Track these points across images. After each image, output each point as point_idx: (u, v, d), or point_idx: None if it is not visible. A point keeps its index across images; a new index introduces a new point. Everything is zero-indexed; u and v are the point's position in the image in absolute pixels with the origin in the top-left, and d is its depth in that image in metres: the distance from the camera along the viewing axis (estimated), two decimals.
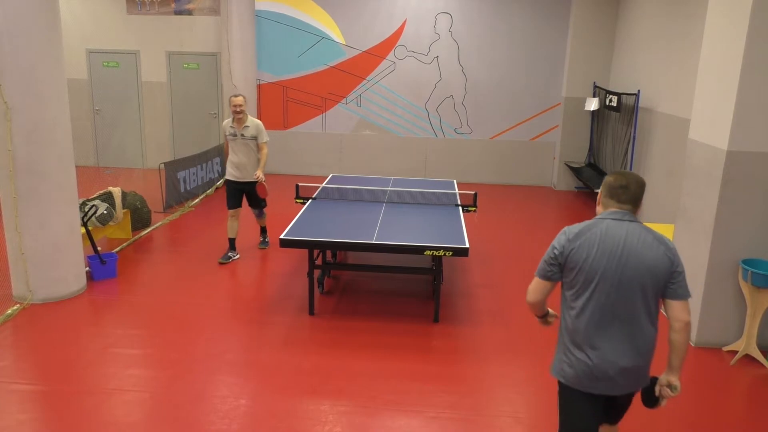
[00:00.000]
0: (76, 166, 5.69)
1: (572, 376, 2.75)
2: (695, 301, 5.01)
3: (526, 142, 10.89)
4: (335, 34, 10.66)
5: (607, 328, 2.67)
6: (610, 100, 9.16)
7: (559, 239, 2.74)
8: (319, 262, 5.72)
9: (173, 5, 10.88)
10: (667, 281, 2.65)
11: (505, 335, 5.12)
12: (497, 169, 11.00)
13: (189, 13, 10.90)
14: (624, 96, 8.83)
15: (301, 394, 4.13)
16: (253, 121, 6.41)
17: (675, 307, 2.66)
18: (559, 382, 2.84)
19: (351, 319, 5.33)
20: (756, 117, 4.53)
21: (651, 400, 2.81)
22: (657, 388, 2.77)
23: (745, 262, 4.70)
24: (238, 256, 6.72)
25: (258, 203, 6.71)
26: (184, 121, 11.34)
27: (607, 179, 2.79)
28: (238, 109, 6.24)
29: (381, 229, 5.39)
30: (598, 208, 2.83)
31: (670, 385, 2.75)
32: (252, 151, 6.46)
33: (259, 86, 10.96)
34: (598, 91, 10.12)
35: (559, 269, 2.74)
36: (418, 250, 4.97)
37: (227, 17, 10.38)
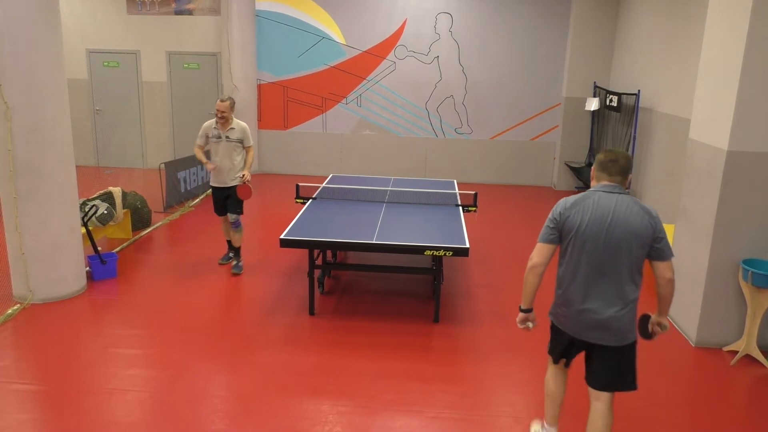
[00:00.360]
0: (76, 166, 5.69)
1: (563, 321, 3.26)
2: (695, 301, 5.01)
3: (526, 142, 10.88)
4: (335, 34, 10.66)
5: (595, 284, 3.11)
6: (611, 100, 9.16)
7: (557, 208, 3.17)
8: (319, 262, 5.72)
9: (173, 5, 10.88)
10: (651, 245, 3.07)
11: (505, 335, 5.11)
12: (497, 169, 11.00)
13: (189, 13, 10.90)
14: (624, 96, 8.83)
15: (301, 394, 4.13)
16: (239, 124, 6.15)
17: (659, 266, 3.15)
18: (552, 323, 3.39)
19: (351, 319, 5.33)
20: (756, 117, 4.53)
21: (646, 333, 3.44)
22: (650, 326, 3.40)
23: (746, 262, 4.70)
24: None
25: (235, 208, 6.23)
26: (185, 121, 11.34)
27: (598, 156, 3.20)
28: (220, 115, 5.97)
29: (381, 229, 5.39)
30: (593, 182, 3.22)
31: (660, 325, 3.38)
32: (235, 155, 6.13)
33: (259, 86, 10.96)
34: (598, 91, 10.11)
35: (558, 234, 3.16)
36: (418, 250, 4.97)
37: (227, 17, 10.39)
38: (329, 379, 4.34)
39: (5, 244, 5.46)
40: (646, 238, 3.04)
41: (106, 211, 6.60)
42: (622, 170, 3.13)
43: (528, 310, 3.30)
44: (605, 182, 3.14)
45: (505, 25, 10.41)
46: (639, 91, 8.39)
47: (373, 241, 5.05)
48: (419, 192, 6.72)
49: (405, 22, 10.52)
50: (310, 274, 5.28)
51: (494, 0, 10.33)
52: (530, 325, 3.34)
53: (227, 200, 6.24)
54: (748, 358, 4.77)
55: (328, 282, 6.17)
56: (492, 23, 10.43)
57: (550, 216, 3.20)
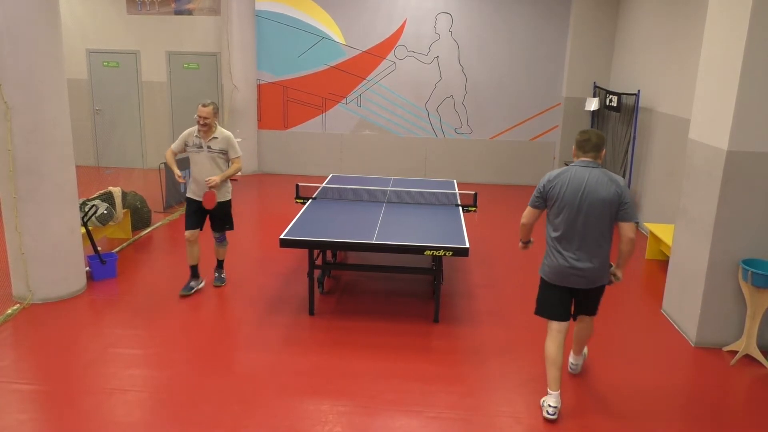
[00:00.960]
0: (76, 166, 5.69)
1: (550, 273, 3.97)
2: (695, 301, 5.01)
3: (526, 142, 10.89)
4: (335, 34, 10.66)
5: (572, 242, 3.84)
6: (610, 100, 9.16)
7: (543, 180, 3.92)
8: (319, 262, 5.72)
9: (173, 5, 10.88)
10: (618, 209, 3.77)
11: (505, 335, 5.11)
12: (497, 169, 11.00)
13: (189, 13, 10.90)
14: (624, 96, 8.83)
15: (301, 394, 4.13)
16: (222, 133, 5.54)
17: (623, 227, 3.83)
18: (541, 278, 4.05)
19: (351, 319, 5.33)
20: (756, 117, 4.53)
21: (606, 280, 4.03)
22: (609, 275, 4.02)
23: (745, 262, 4.70)
24: (202, 284, 5.92)
25: (221, 225, 5.74)
26: (184, 121, 11.31)
27: (576, 137, 3.94)
28: (202, 122, 5.40)
29: (381, 229, 5.39)
30: (573, 159, 3.95)
31: (615, 275, 4.03)
32: (218, 167, 5.55)
33: (259, 86, 10.96)
34: (598, 91, 10.11)
35: (543, 201, 3.94)
36: (418, 250, 4.97)
37: (227, 17, 10.39)
38: (329, 379, 4.34)
39: (5, 244, 5.46)
40: (614, 203, 3.75)
41: (105, 211, 6.60)
42: (594, 147, 3.85)
43: (527, 242, 4.37)
44: (582, 158, 3.88)
45: (505, 25, 10.42)
46: (639, 91, 8.39)
47: (373, 241, 5.05)
48: (419, 192, 6.72)
49: (405, 22, 10.52)
50: (310, 274, 5.28)
51: (494, 0, 10.33)
52: (529, 246, 4.40)
53: (210, 217, 5.72)
54: (748, 358, 4.77)
55: (328, 282, 6.17)
56: (492, 23, 10.43)
57: (537, 186, 3.96)
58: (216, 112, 5.49)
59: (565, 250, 3.86)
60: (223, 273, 6.07)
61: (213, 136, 5.52)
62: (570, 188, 3.79)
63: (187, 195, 5.72)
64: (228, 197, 5.75)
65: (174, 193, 8.68)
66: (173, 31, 10.99)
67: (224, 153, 5.56)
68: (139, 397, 4.05)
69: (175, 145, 5.68)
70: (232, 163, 5.63)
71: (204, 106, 5.42)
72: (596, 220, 3.77)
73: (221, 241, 5.91)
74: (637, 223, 3.22)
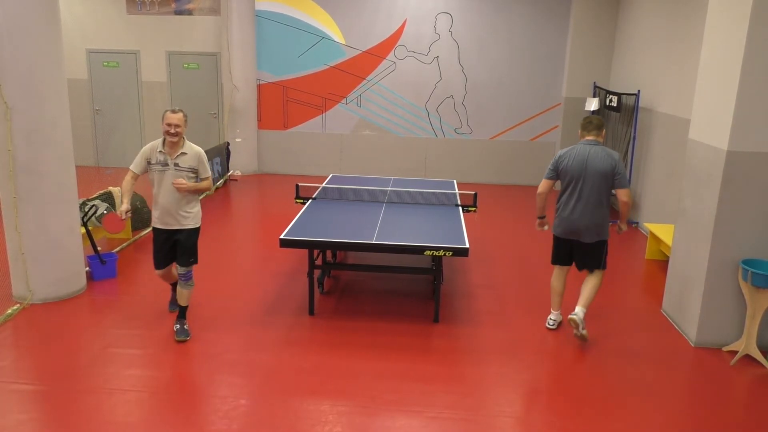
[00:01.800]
0: (76, 166, 5.69)
1: (560, 230, 4.97)
2: (695, 301, 5.01)
3: (526, 142, 10.89)
4: (335, 34, 10.66)
5: (577, 204, 4.81)
6: (610, 101, 9.16)
7: (555, 157, 4.90)
8: (319, 262, 5.72)
9: (173, 5, 10.88)
10: (612, 178, 4.72)
11: (505, 335, 5.12)
12: (497, 169, 11.00)
13: (189, 13, 10.90)
14: (624, 96, 8.83)
15: (301, 394, 4.13)
16: (192, 149, 4.72)
17: (619, 192, 4.80)
18: (553, 235, 5.07)
19: (351, 319, 5.33)
20: (756, 117, 4.54)
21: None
22: (616, 228, 5.06)
23: (745, 262, 4.70)
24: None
25: (186, 258, 4.83)
26: None
27: (581, 122, 4.94)
28: (173, 130, 4.54)
29: (381, 229, 5.39)
30: (579, 140, 4.90)
31: (619, 228, 5.03)
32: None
33: (259, 86, 10.96)
34: (598, 91, 10.11)
35: (556, 173, 4.90)
36: (418, 250, 4.97)
37: (227, 17, 10.39)
38: (329, 379, 4.34)
39: (5, 244, 5.46)
40: (609, 173, 4.71)
41: (105, 211, 6.60)
42: (596, 127, 4.86)
43: (541, 217, 5.18)
44: (586, 137, 4.86)
45: (505, 25, 10.42)
46: (639, 91, 8.39)
47: (373, 241, 5.05)
48: (419, 192, 6.72)
49: (405, 22, 10.52)
50: (310, 274, 5.28)
51: (494, 0, 10.33)
52: (545, 227, 5.23)
53: (176, 247, 4.84)
54: (748, 358, 4.77)
55: (328, 282, 6.17)
56: (492, 23, 10.43)
57: (551, 162, 4.93)
58: (186, 120, 4.66)
59: (571, 212, 4.84)
60: (185, 323, 4.94)
61: (181, 151, 4.65)
62: (575, 161, 4.77)
63: (154, 225, 4.86)
64: (197, 224, 4.90)
65: None
66: (173, 31, 10.99)
67: (194, 171, 4.72)
68: (139, 397, 4.05)
69: (134, 165, 4.72)
70: (202, 182, 4.81)
71: (173, 112, 4.59)
72: (595, 187, 4.74)
73: (186, 280, 4.87)
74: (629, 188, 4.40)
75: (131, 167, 4.75)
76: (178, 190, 4.64)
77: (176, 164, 4.66)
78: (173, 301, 5.30)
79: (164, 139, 4.64)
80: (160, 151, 4.66)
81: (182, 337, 4.85)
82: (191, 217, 4.85)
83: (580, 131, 4.92)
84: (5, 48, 4.95)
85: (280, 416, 3.88)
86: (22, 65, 5.01)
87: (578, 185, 4.76)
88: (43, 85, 5.13)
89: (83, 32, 11.05)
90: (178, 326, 4.92)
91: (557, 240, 5.04)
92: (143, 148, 4.74)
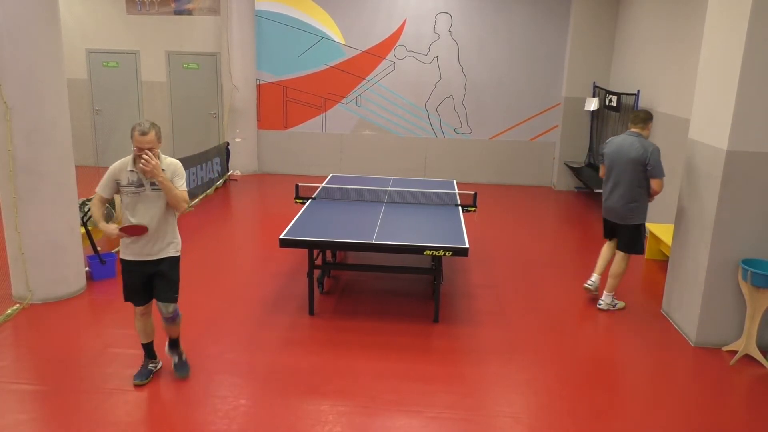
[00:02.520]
0: (76, 166, 5.69)
1: (604, 210, 5.61)
2: (695, 301, 5.01)
3: (526, 142, 10.89)
4: (335, 34, 10.66)
5: (615, 188, 5.39)
6: (610, 100, 9.16)
7: (602, 147, 5.58)
8: (319, 262, 5.72)
9: (173, 5, 10.88)
10: (644, 167, 5.18)
11: (505, 335, 5.12)
12: (497, 169, 11.00)
13: (189, 13, 10.90)
14: (624, 96, 8.83)
15: (301, 394, 4.13)
16: (170, 164, 4.02)
17: (651, 181, 5.25)
18: (603, 216, 5.67)
19: (351, 319, 5.33)
20: (756, 117, 4.54)
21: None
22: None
23: (745, 262, 4.70)
24: (160, 365, 4.41)
25: (168, 293, 4.10)
26: (184, 121, 11.34)
27: (630, 114, 5.87)
28: (145, 155, 3.78)
29: (381, 229, 5.39)
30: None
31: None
32: (163, 212, 4.00)
33: (258, 86, 10.96)
34: (598, 91, 10.12)
35: (602, 158, 5.53)
36: (418, 250, 4.97)
37: (227, 17, 10.39)
38: (329, 379, 4.34)
39: (5, 244, 5.46)
40: (641, 163, 5.16)
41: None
42: (641, 120, 5.35)
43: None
44: (630, 129, 5.40)
45: (505, 25, 10.42)
46: (638, 91, 8.40)
47: (373, 241, 5.05)
48: (419, 192, 6.72)
49: (404, 22, 10.52)
50: (310, 274, 5.28)
51: (494, 0, 10.33)
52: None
53: (154, 281, 4.09)
54: (748, 358, 4.77)
55: (328, 282, 6.17)
56: (491, 23, 10.43)
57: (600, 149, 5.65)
58: (160, 137, 3.91)
59: (610, 195, 5.46)
60: (183, 354, 4.38)
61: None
62: (614, 150, 5.38)
63: (123, 256, 4.08)
64: (177, 252, 4.14)
65: None
66: (173, 31, 10.99)
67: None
68: (139, 397, 4.05)
69: (101, 187, 4.01)
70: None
71: (143, 134, 3.79)
72: (630, 174, 5.24)
73: (173, 319, 4.22)
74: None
75: (98, 190, 4.03)
76: (145, 165, 3.77)
77: (152, 183, 3.92)
78: (145, 370, 4.28)
79: (133, 159, 3.89)
80: (131, 170, 3.92)
81: (183, 374, 4.27)
82: (175, 243, 4.13)
83: (629, 123, 5.55)
84: (5, 48, 4.95)
85: (280, 416, 3.89)
86: (21, 65, 5.00)
87: (615, 173, 5.35)
88: (42, 85, 5.13)
89: (83, 32, 11.05)
90: (176, 359, 4.34)
91: (605, 221, 5.71)
92: (111, 168, 3.98)
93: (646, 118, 5.33)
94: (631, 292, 6.13)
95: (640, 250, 5.49)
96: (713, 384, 4.45)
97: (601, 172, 5.59)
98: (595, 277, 5.82)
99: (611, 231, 5.65)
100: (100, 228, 4.08)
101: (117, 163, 3.99)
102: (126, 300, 4.20)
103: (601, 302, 5.67)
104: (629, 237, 5.44)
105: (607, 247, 5.78)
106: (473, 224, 8.13)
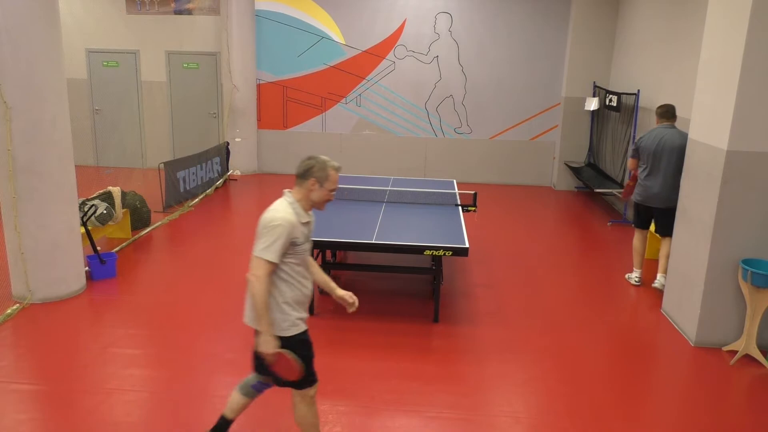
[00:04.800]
0: (76, 166, 5.69)
1: (638, 197, 6.03)
2: (695, 301, 5.01)
3: (526, 141, 10.89)
4: (335, 34, 10.66)
5: (652, 175, 5.85)
6: (610, 100, 9.16)
7: (637, 140, 6.06)
8: (319, 261, 5.71)
9: (173, 5, 10.88)
10: (682, 156, 5.55)
11: (505, 335, 5.12)
12: (497, 169, 11.00)
13: (189, 12, 10.90)
14: (624, 96, 8.83)
15: None
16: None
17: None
18: (633, 202, 6.17)
19: (351, 319, 5.32)
20: (756, 117, 4.53)
21: None
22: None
23: (745, 261, 4.70)
24: None
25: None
26: (184, 121, 11.33)
27: (656, 110, 6.07)
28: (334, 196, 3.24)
29: (381, 228, 5.39)
30: (656, 125, 6.03)
31: None
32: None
33: (258, 86, 10.95)
34: (597, 90, 10.11)
35: (638, 152, 6.01)
36: (418, 250, 4.97)
37: (227, 17, 10.38)
38: (329, 379, 4.34)
39: (4, 244, 5.46)
40: (680, 151, 5.60)
41: (105, 211, 6.59)
42: (671, 115, 5.94)
43: (633, 180, 6.23)
44: (661, 122, 5.94)
45: (505, 25, 10.41)
46: (638, 90, 8.39)
47: (373, 241, 5.05)
48: (419, 192, 6.72)
49: (404, 22, 10.52)
50: None
51: (494, 0, 10.33)
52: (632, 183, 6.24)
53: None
54: (748, 358, 4.77)
55: None
56: (491, 23, 10.43)
57: (635, 144, 6.09)
58: None
59: (647, 181, 5.88)
60: None
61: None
62: (650, 141, 5.86)
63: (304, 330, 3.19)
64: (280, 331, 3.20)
65: (173, 192, 8.67)
66: (173, 31, 10.98)
67: None
68: (138, 397, 4.05)
69: (275, 255, 3.00)
70: None
71: (337, 170, 3.18)
72: (667, 161, 5.75)
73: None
74: None
75: (270, 257, 2.99)
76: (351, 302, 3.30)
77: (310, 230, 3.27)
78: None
79: (301, 205, 3.16)
80: (306, 222, 3.17)
81: None
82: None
83: (656, 119, 6.03)
84: (5, 48, 4.95)
85: (280, 416, 3.88)
86: (21, 65, 5.00)
87: (652, 160, 5.83)
88: (42, 85, 5.13)
89: (83, 32, 11.04)
90: None
91: (636, 207, 6.14)
92: (281, 225, 3.02)
93: (674, 111, 5.96)
94: (631, 292, 6.13)
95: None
96: (713, 384, 4.45)
97: (632, 164, 6.09)
98: (640, 272, 6.29)
99: (648, 219, 6.09)
100: (263, 327, 3.06)
101: (287, 217, 3.05)
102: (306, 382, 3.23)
103: (657, 282, 6.01)
104: (671, 219, 5.69)
105: (638, 240, 6.22)
106: (473, 224, 8.13)
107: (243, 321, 3.34)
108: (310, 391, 3.26)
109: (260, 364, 3.25)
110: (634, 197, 6.10)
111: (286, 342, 3.12)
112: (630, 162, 6.16)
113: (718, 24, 4.85)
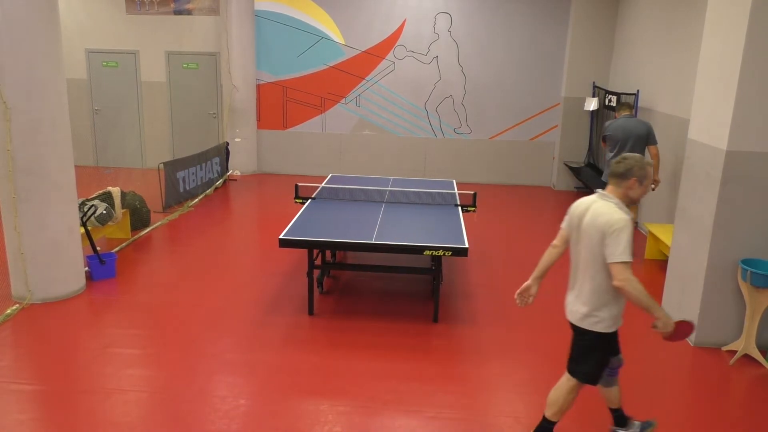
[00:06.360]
0: (76, 166, 5.69)
1: (606, 178, 6.30)
2: (694, 301, 5.01)
3: (525, 142, 10.89)
4: (335, 34, 10.66)
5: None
6: (610, 100, 9.16)
7: (604, 129, 7.02)
8: (318, 262, 5.72)
9: (173, 5, 10.88)
10: (647, 139, 6.75)
11: (505, 335, 5.12)
12: (497, 169, 11.00)
13: (188, 13, 10.90)
14: (623, 96, 8.83)
15: (300, 394, 4.13)
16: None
17: (650, 148, 6.85)
18: (602, 180, 6.72)
19: (351, 319, 5.32)
20: (755, 117, 4.54)
21: None
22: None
23: (745, 262, 4.71)
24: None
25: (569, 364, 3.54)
26: (184, 121, 11.33)
27: (616, 105, 7.83)
28: None
29: (380, 229, 5.39)
30: (616, 116, 7.11)
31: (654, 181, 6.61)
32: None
33: (258, 86, 10.95)
34: (597, 91, 10.12)
35: (605, 139, 7.03)
36: (418, 250, 4.97)
37: (226, 17, 10.39)
38: (329, 379, 4.34)
39: (4, 244, 5.46)
40: (644, 136, 6.77)
41: (105, 211, 6.59)
42: (627, 106, 7.10)
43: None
44: (623, 114, 7.05)
45: (505, 25, 10.42)
46: (638, 91, 8.40)
47: (373, 241, 5.05)
48: (418, 192, 6.72)
49: (404, 22, 10.52)
50: (310, 274, 5.28)
51: (494, 0, 10.33)
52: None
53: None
54: (747, 358, 4.77)
55: (328, 282, 6.17)
56: (491, 23, 10.43)
57: (603, 132, 7.06)
58: None
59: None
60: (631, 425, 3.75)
61: None
62: (618, 128, 6.78)
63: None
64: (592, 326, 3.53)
65: (173, 193, 8.67)
66: (172, 31, 10.98)
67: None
68: (138, 397, 4.05)
69: (631, 252, 3.17)
70: None
71: (650, 165, 3.36)
72: (636, 145, 6.64)
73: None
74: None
75: (628, 259, 3.16)
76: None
77: None
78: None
79: (623, 203, 3.31)
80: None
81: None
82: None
83: (616, 113, 7.08)
84: (5, 47, 4.94)
85: (280, 416, 3.88)
86: (21, 65, 5.00)
87: (619, 145, 6.69)
88: (42, 85, 5.13)
89: (83, 32, 11.04)
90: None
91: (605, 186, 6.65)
92: (627, 226, 3.17)
93: (632, 103, 7.23)
94: None
95: None
96: (713, 384, 4.45)
97: (604, 146, 7.16)
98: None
99: None
100: (659, 314, 3.25)
101: (626, 216, 3.20)
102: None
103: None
104: None
105: None
106: (473, 224, 8.13)
107: (567, 318, 3.72)
108: (581, 385, 3.54)
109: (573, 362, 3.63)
110: (603, 177, 7.00)
111: (603, 339, 3.47)
112: (603, 145, 7.29)
113: (717, 24, 4.85)
